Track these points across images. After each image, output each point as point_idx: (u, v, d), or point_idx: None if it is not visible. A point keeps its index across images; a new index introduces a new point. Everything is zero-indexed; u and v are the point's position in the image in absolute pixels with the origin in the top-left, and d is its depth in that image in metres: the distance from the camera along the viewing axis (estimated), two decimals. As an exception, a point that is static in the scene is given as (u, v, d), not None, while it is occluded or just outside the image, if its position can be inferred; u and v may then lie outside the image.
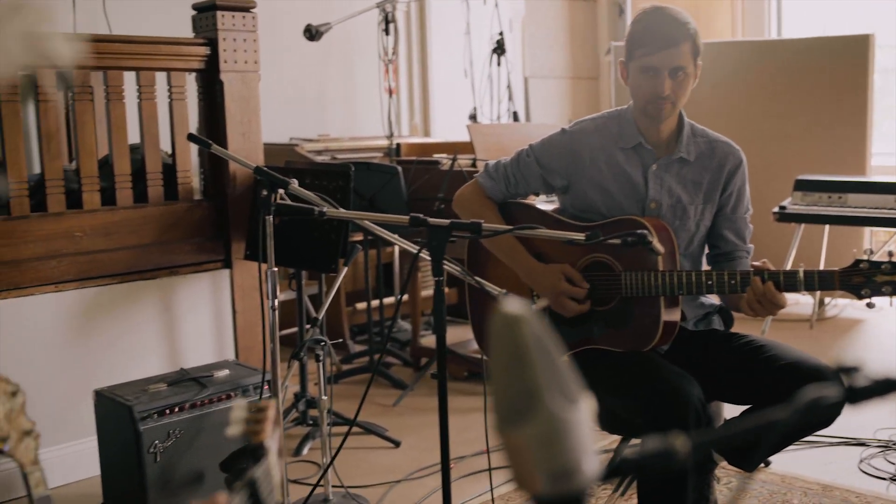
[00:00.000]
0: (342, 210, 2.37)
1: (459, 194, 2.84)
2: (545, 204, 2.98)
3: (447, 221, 2.25)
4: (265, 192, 2.53)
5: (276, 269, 2.60)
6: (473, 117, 6.18)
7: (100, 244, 3.71)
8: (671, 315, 2.56)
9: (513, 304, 0.81)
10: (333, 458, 3.12)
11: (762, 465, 3.51)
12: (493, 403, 0.82)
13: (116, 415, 3.15)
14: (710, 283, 2.46)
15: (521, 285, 2.71)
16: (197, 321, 3.96)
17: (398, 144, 5.45)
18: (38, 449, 1.71)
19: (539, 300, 2.60)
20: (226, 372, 3.35)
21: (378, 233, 2.42)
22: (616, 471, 0.84)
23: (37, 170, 3.94)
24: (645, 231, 2.30)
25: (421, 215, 2.27)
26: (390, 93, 5.62)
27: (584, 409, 0.81)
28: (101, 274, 3.70)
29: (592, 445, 0.81)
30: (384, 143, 5.48)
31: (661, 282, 2.49)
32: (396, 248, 5.47)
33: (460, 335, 5.17)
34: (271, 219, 2.58)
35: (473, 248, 2.89)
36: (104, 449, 3.29)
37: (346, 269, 3.44)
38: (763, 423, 0.87)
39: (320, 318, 3.33)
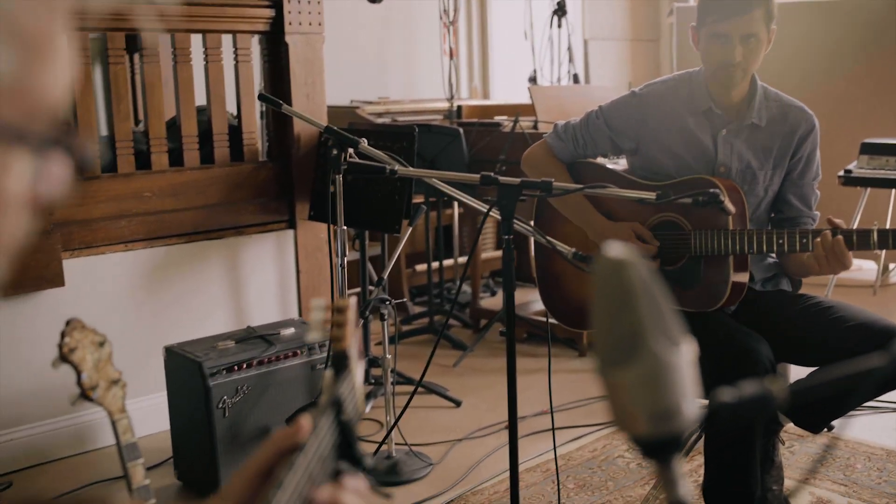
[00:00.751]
0: (412, 168, 2.39)
1: (528, 154, 2.84)
2: (612, 164, 2.97)
3: (518, 180, 2.26)
4: (335, 151, 2.55)
5: (345, 227, 2.63)
6: (533, 79, 6.15)
7: (168, 204, 3.77)
8: (740, 276, 2.56)
9: (618, 249, 0.82)
10: (399, 417, 3.17)
11: (826, 429, 3.49)
12: (596, 346, 0.83)
13: (186, 370, 3.21)
14: (780, 241, 2.45)
15: (589, 245, 2.71)
16: (262, 280, 4.02)
17: (459, 107, 5.45)
18: (125, 397, 1.76)
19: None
20: (291, 330, 3.40)
21: (448, 192, 2.43)
22: (714, 415, 0.85)
23: (104, 131, 4.01)
24: (717, 190, 2.29)
25: (491, 174, 2.28)
26: (450, 55, 5.61)
27: (686, 353, 0.82)
28: (169, 233, 3.76)
29: (693, 389, 0.82)
30: (444, 105, 5.48)
31: (731, 241, 2.48)
32: (456, 211, 5.48)
33: (520, 297, 5.18)
34: (341, 178, 2.61)
35: (540, 208, 2.89)
36: (174, 404, 3.36)
37: (410, 229, 3.47)
38: (860, 371, 0.87)
39: (384, 277, 3.36)
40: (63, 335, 1.71)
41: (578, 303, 2.81)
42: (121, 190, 3.66)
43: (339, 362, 1.08)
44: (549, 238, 2.35)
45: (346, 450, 1.05)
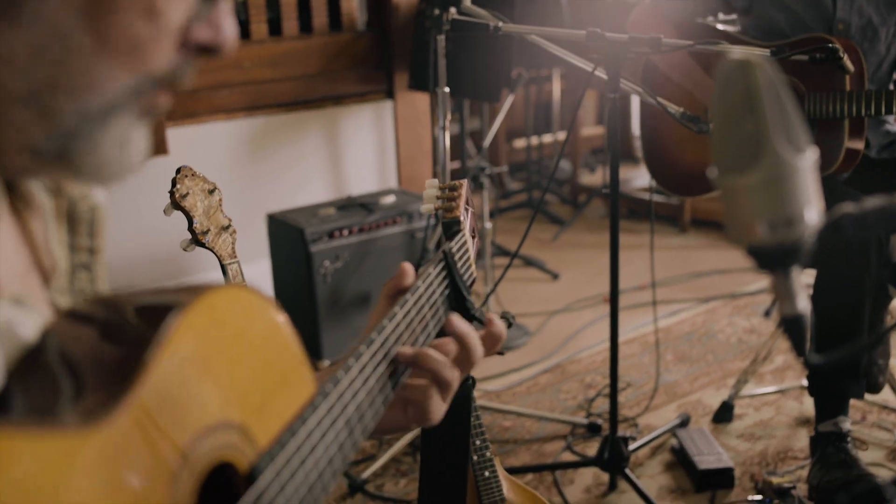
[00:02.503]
0: (516, 25, 2.33)
1: (634, 14, 2.75)
2: (722, 26, 2.86)
3: (625, 35, 2.18)
4: (437, 11, 2.51)
5: (447, 89, 2.60)
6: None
7: (267, 74, 3.79)
8: (855, 142, 2.46)
9: (745, 53, 0.78)
10: (496, 284, 3.18)
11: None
12: (717, 150, 0.80)
13: (289, 237, 3.27)
14: (902, 103, 2.34)
15: (697, 109, 2.63)
16: (360, 151, 4.04)
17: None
18: (234, 243, 1.80)
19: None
20: (392, 198, 3.42)
21: (552, 50, 2.37)
22: (837, 225, 0.83)
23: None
24: (835, 46, 2.18)
25: (598, 30, 2.21)
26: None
27: (811, 159, 0.78)
28: (268, 103, 3.79)
29: (816, 198, 0.79)
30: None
31: (847, 103, 2.37)
32: (556, 87, 5.37)
33: (620, 174, 5.13)
34: (443, 38, 2.57)
35: (645, 74, 2.82)
36: (276, 270, 3.44)
37: (512, 97, 3.42)
38: None
39: (484, 146, 3.34)
40: (174, 182, 1.74)
41: (686, 168, 2.75)
42: (221, 59, 3.68)
43: (450, 227, 1.10)
44: (659, 99, 2.28)
45: (459, 304, 1.07)
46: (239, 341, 0.72)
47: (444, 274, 1.06)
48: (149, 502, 0.60)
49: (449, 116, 2.60)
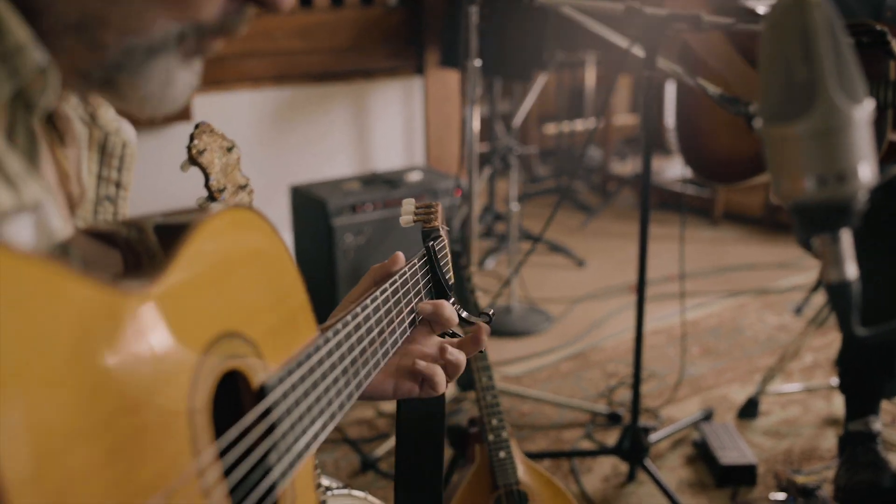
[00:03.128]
0: (552, -2, 2.26)
1: (672, -6, 2.67)
2: (764, 10, 2.77)
3: (665, 11, 2.11)
4: (471, -19, 2.44)
5: (479, 62, 2.53)
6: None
7: (296, 45, 3.73)
8: (898, 133, 2.36)
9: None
10: (519, 266, 3.11)
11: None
12: (764, 96, 0.74)
13: (312, 209, 3.22)
14: (950, 93, 2.24)
15: (732, 93, 2.55)
16: (388, 127, 3.98)
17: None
18: (252, 203, 1.74)
19: (751, 107, 2.45)
20: (418, 175, 3.36)
21: (587, 25, 2.30)
22: (893, 184, 0.76)
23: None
24: (883, 29, 2.09)
25: (636, 4, 2.13)
26: None
27: (867, 110, 0.71)
28: (296, 75, 3.74)
29: (870, 153, 0.72)
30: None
31: (892, 91, 2.28)
32: (590, 73, 5.29)
33: (653, 165, 5.05)
34: (476, 10, 2.50)
35: (681, 58, 2.73)
36: (299, 242, 3.39)
37: (544, 77, 3.34)
38: None
39: (513, 126, 3.27)
40: (192, 137, 1.68)
41: (722, 155, 2.67)
42: (250, 28, 3.61)
43: (430, 234, 1.18)
44: (699, 80, 2.20)
45: (440, 298, 1.14)
46: (254, 263, 0.74)
47: (426, 268, 1.14)
48: (169, 383, 0.61)
49: (479, 91, 2.53)
